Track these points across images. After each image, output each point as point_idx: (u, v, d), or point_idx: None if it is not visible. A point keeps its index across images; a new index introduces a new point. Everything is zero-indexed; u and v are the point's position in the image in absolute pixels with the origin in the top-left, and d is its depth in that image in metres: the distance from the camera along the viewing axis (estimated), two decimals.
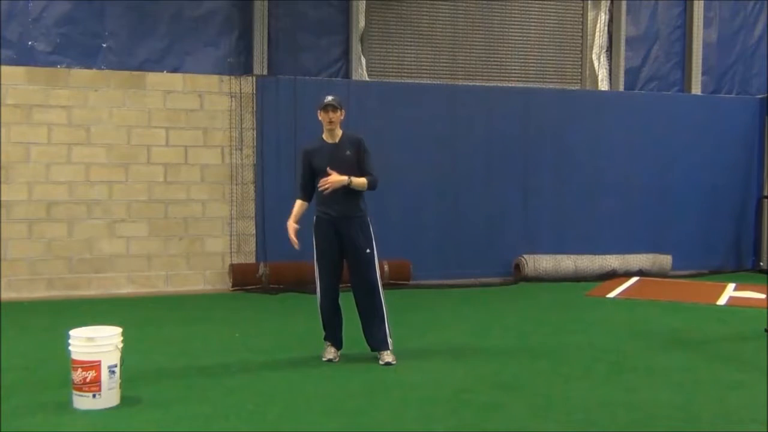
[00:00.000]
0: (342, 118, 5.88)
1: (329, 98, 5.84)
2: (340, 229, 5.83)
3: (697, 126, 11.35)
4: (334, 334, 6.00)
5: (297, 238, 5.87)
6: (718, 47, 11.84)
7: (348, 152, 5.83)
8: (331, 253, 5.87)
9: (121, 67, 9.36)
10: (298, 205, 6.03)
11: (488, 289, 9.89)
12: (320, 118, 5.88)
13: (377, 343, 5.89)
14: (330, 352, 5.95)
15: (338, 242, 5.85)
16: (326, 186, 5.71)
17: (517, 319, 7.89)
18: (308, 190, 5.98)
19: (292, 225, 5.92)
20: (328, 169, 5.73)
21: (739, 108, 11.65)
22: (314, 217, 5.93)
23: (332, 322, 5.98)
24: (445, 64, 10.93)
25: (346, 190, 5.78)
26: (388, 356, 5.83)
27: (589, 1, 11.40)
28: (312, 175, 5.90)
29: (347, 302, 6.01)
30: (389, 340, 5.90)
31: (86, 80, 9.18)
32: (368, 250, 5.84)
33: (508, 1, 11.13)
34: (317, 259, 5.93)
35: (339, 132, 5.90)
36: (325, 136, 5.92)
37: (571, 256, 10.58)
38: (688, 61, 11.68)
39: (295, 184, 6.07)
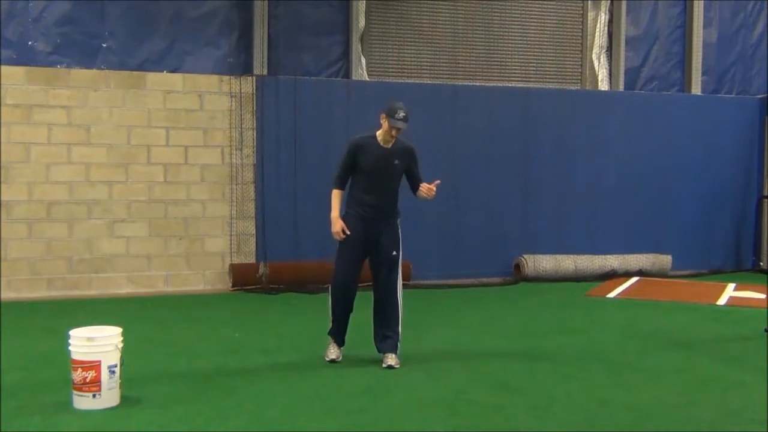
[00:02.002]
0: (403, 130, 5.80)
1: (401, 114, 5.68)
2: (369, 229, 5.79)
3: (697, 126, 11.35)
4: (339, 328, 5.92)
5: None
6: (718, 47, 11.84)
7: (396, 162, 5.80)
8: (355, 245, 5.79)
9: (121, 67, 9.35)
10: (337, 195, 5.87)
11: (488, 289, 9.89)
12: (382, 123, 5.76)
13: (386, 346, 5.84)
14: (333, 352, 5.89)
15: (364, 240, 5.80)
16: (432, 195, 5.89)
17: (517, 319, 7.89)
18: (345, 181, 5.91)
19: (339, 220, 5.79)
20: (437, 181, 5.89)
21: (739, 108, 11.65)
22: (344, 212, 5.86)
23: (341, 313, 5.89)
24: (445, 64, 10.93)
25: (389, 197, 5.83)
26: (392, 359, 5.78)
27: (589, 1, 11.40)
28: (353, 168, 5.82)
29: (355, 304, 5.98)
30: (398, 345, 5.87)
31: (86, 80, 9.18)
32: (394, 252, 5.86)
33: (508, 1, 11.13)
34: (339, 249, 5.85)
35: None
36: (379, 137, 5.82)
37: (571, 256, 10.58)
38: (688, 61, 11.68)
39: (335, 172, 5.90)
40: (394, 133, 5.76)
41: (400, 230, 5.95)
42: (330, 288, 5.95)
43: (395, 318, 5.86)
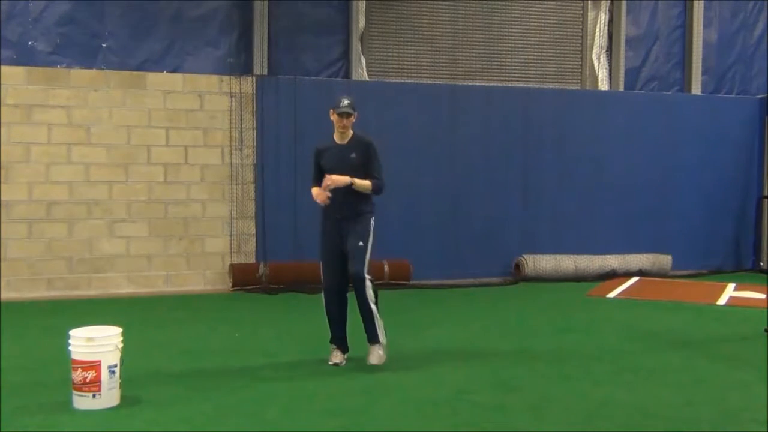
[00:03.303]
0: (354, 120, 5.85)
1: (345, 102, 5.77)
2: (342, 230, 5.81)
3: (697, 126, 11.36)
4: (337, 336, 5.94)
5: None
6: (718, 47, 11.84)
7: (353, 155, 5.79)
8: (332, 251, 5.85)
9: (121, 67, 9.36)
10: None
11: (488, 289, 9.89)
12: (332, 119, 5.84)
13: (368, 338, 5.89)
14: (336, 356, 5.89)
15: (339, 243, 5.82)
16: (328, 184, 5.67)
17: (517, 319, 7.89)
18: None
19: (316, 188, 5.81)
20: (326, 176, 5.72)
21: (739, 108, 11.65)
22: (321, 218, 5.92)
23: (334, 322, 5.93)
24: (445, 64, 10.92)
25: (349, 194, 5.76)
26: (372, 355, 5.81)
27: (589, 1, 11.40)
28: (321, 174, 5.87)
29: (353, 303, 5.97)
30: (379, 335, 5.83)
31: (86, 80, 9.18)
32: (360, 243, 5.78)
33: (508, 1, 11.12)
34: (320, 259, 5.93)
35: (350, 133, 5.87)
36: (335, 137, 5.90)
37: (571, 256, 10.58)
38: (688, 61, 11.68)
39: (309, 183, 6.03)
40: (344, 122, 5.78)
41: (371, 225, 5.86)
42: (323, 299, 5.97)
43: (366, 309, 5.79)
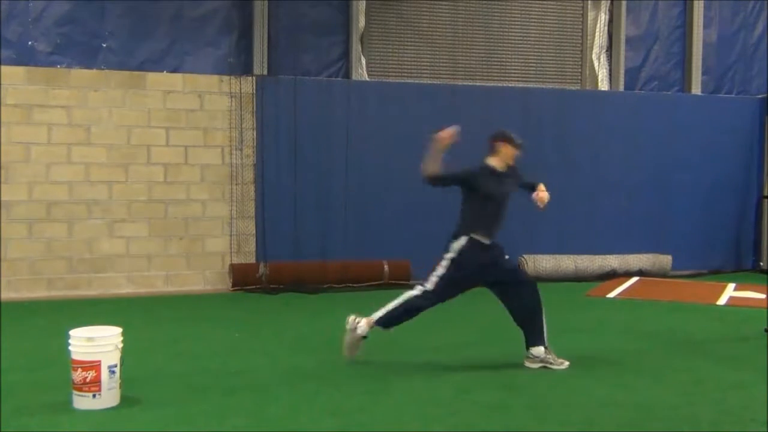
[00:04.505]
0: None
1: (516, 135, 6.13)
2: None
3: (697, 126, 11.35)
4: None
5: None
6: (718, 47, 11.84)
7: (510, 179, 6.21)
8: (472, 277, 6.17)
9: (121, 67, 9.35)
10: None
11: (488, 289, 9.86)
12: (505, 150, 6.29)
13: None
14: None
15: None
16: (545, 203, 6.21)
17: None
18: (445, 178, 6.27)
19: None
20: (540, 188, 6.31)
21: (739, 108, 11.64)
22: (468, 239, 6.21)
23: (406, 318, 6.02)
24: (445, 64, 10.92)
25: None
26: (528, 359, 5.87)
27: (589, 1, 11.40)
28: (463, 183, 6.37)
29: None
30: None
31: (86, 80, 9.18)
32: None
33: (508, 1, 11.12)
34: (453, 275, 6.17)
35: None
36: (496, 163, 6.29)
37: (571, 256, 10.58)
38: (688, 61, 11.68)
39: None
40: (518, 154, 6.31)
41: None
42: (421, 296, 6.17)
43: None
